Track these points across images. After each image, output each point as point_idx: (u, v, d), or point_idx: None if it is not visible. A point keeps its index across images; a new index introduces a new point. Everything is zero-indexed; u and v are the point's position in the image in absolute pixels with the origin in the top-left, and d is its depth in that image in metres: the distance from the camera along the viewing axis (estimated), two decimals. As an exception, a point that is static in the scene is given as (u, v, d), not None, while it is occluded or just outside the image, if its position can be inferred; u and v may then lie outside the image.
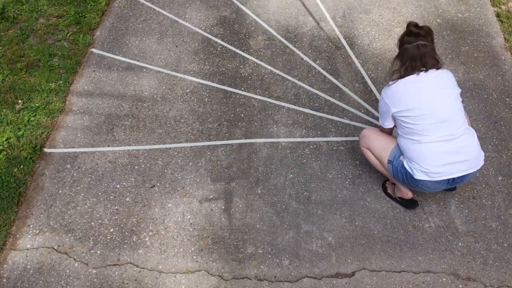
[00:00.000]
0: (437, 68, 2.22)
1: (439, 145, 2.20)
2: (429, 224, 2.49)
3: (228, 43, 3.42)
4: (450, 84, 2.26)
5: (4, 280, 2.32)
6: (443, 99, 2.22)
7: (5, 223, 2.50)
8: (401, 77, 2.25)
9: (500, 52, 3.31)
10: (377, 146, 2.44)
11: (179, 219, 2.53)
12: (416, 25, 2.23)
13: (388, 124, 2.40)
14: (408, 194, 2.48)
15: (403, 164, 2.31)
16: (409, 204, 2.54)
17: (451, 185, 2.33)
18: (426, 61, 2.19)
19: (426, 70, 2.20)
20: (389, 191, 2.61)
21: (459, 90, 2.28)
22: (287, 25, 3.54)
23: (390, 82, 2.29)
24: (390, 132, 2.49)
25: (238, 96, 3.10)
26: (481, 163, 2.30)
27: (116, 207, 2.58)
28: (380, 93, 2.44)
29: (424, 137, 2.22)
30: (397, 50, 2.31)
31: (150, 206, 2.59)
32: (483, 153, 2.31)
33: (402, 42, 2.26)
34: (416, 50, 2.18)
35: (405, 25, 2.28)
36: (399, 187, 2.50)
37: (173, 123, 2.96)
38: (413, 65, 2.21)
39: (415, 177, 2.25)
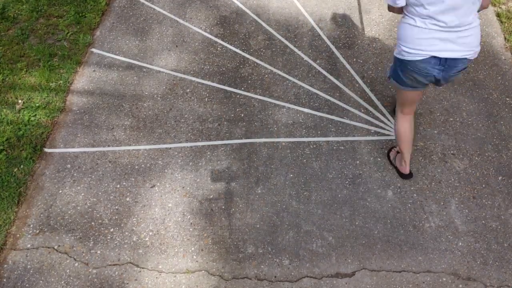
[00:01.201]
0: None
1: (437, 31, 2.10)
2: (429, 224, 2.49)
3: (228, 43, 3.42)
4: None
5: (4, 280, 2.32)
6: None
7: (5, 223, 2.50)
8: None
9: (500, 52, 3.31)
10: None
11: (179, 219, 2.53)
12: None
13: (400, 2, 2.17)
14: (405, 170, 2.64)
15: (394, 58, 2.28)
16: (404, 176, 2.68)
17: (444, 72, 2.21)
18: None
19: None
20: (391, 155, 2.75)
21: None
22: (287, 25, 3.54)
23: None
24: (399, 11, 2.28)
25: (238, 96, 3.10)
26: (475, 52, 2.18)
27: (116, 207, 2.58)
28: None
29: (425, 20, 2.11)
30: None
31: (150, 206, 2.59)
32: (479, 47, 2.20)
33: None
34: None
35: None
36: (400, 159, 2.63)
37: (173, 123, 2.96)
38: None
39: (405, 58, 2.19)
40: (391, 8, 2.28)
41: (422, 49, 2.16)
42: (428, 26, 2.12)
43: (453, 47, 2.15)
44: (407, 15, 2.21)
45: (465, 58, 2.17)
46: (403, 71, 2.28)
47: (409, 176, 2.66)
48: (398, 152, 2.72)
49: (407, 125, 2.50)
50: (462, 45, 2.14)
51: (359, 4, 3.66)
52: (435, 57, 2.16)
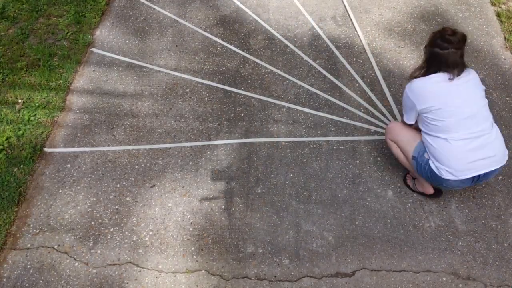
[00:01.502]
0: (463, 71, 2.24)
1: (466, 143, 2.20)
2: (429, 223, 2.49)
3: (228, 43, 3.41)
4: (476, 82, 2.27)
5: (4, 279, 2.32)
6: (470, 96, 2.23)
7: (5, 223, 2.50)
8: (425, 75, 2.27)
9: (500, 51, 3.31)
10: (403, 140, 2.45)
11: (179, 218, 2.53)
12: (453, 31, 2.22)
13: (412, 121, 2.39)
14: (430, 190, 2.52)
15: (427, 162, 2.32)
16: (432, 196, 2.57)
17: (476, 183, 2.32)
18: (455, 67, 2.20)
19: (457, 75, 2.22)
20: (409, 183, 2.64)
21: (484, 87, 2.30)
22: (287, 24, 3.54)
23: (415, 80, 2.31)
24: (415, 128, 2.46)
25: (238, 95, 3.10)
26: (506, 158, 2.29)
27: (116, 207, 2.58)
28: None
29: (450, 134, 2.21)
30: (422, 52, 2.32)
31: (150, 205, 2.59)
32: (507, 151, 2.31)
33: (433, 44, 2.24)
34: (447, 56, 2.19)
35: (441, 29, 2.28)
36: (422, 183, 2.52)
37: (173, 123, 2.96)
38: (441, 69, 2.23)
39: (442, 177, 2.27)
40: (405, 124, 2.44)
41: (460, 169, 2.24)
42: (455, 138, 2.21)
43: (487, 163, 2.24)
44: (428, 133, 2.30)
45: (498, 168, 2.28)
46: (433, 180, 2.36)
47: (438, 193, 2.55)
48: (414, 177, 2.62)
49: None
50: (492, 150, 2.23)
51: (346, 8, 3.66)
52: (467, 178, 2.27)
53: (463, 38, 2.22)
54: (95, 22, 3.56)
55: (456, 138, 2.21)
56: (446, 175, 2.25)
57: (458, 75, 2.22)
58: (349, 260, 2.36)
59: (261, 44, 3.41)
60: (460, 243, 2.42)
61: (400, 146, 2.47)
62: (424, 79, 2.28)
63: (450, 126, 2.21)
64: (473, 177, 2.26)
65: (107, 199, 2.61)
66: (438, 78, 2.24)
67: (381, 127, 2.92)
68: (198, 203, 2.59)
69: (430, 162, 2.30)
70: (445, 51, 2.19)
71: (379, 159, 2.76)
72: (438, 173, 2.27)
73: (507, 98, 3.04)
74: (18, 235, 2.48)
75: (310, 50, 3.36)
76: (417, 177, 2.53)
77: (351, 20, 3.54)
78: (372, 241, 2.43)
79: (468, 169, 2.23)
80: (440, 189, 2.54)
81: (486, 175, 2.28)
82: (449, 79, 2.21)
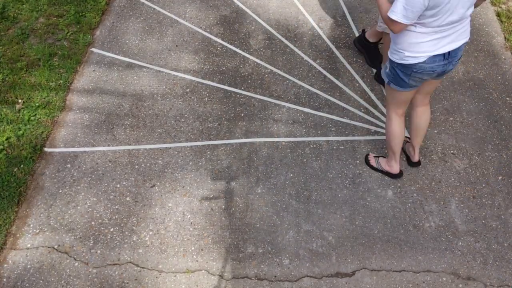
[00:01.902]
0: None
1: (439, 33, 2.10)
2: (429, 223, 2.49)
3: (228, 43, 3.41)
4: None
5: (4, 279, 2.32)
6: (463, 4, 2.05)
7: (5, 223, 2.50)
8: None
9: (500, 51, 3.31)
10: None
11: (179, 218, 2.53)
12: None
13: (409, 20, 2.09)
14: (395, 169, 2.64)
15: (393, 63, 2.25)
16: (397, 175, 2.66)
17: (447, 65, 2.22)
18: None
19: None
20: (373, 163, 2.72)
21: None
22: (287, 24, 3.54)
23: None
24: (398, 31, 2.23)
25: (238, 95, 3.10)
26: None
27: (116, 207, 2.58)
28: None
29: (430, 29, 2.10)
30: None
31: (150, 205, 2.59)
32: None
33: None
34: None
35: None
36: (387, 161, 2.63)
37: (173, 123, 2.96)
38: None
39: (409, 62, 2.17)
40: (393, 24, 2.14)
41: (426, 50, 2.15)
42: (430, 31, 2.11)
43: (453, 38, 2.15)
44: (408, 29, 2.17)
45: (464, 43, 2.20)
46: (406, 75, 2.26)
47: (400, 174, 2.66)
48: (376, 157, 2.72)
49: (403, 126, 2.51)
50: (461, 34, 2.16)
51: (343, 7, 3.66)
52: (439, 54, 2.16)
53: None
54: (95, 22, 3.56)
55: (434, 32, 2.10)
56: (411, 60, 2.17)
57: None
58: (349, 260, 2.37)
59: (261, 44, 3.41)
60: (460, 243, 2.42)
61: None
62: None
63: (430, 24, 2.08)
64: (443, 56, 2.16)
65: (107, 199, 2.61)
66: None
67: (381, 127, 2.92)
68: (198, 203, 2.59)
69: (394, 56, 2.22)
70: None
71: (379, 159, 2.76)
72: (404, 63, 2.19)
73: (507, 98, 3.04)
74: (18, 235, 2.48)
75: (310, 50, 3.36)
76: (390, 148, 2.56)
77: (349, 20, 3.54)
78: (372, 241, 2.43)
79: (433, 45, 2.14)
80: (402, 172, 2.66)
81: (454, 53, 2.18)
82: None
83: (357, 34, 3.44)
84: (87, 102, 3.07)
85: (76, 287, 2.29)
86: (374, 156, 2.72)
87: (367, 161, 2.73)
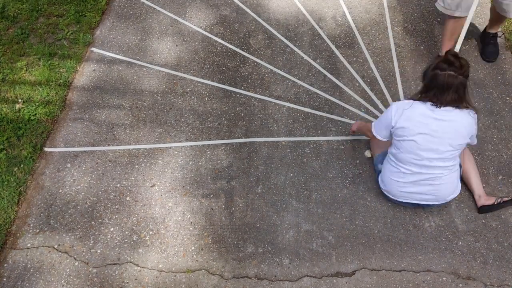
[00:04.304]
0: (457, 107, 2.16)
1: (407, 175, 2.32)
2: (429, 223, 2.49)
3: (228, 42, 3.41)
4: (460, 127, 2.18)
5: (5, 279, 2.32)
6: (441, 143, 2.19)
7: (5, 222, 2.50)
8: (419, 99, 2.24)
9: (501, 51, 3.31)
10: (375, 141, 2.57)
11: (179, 218, 2.54)
12: (455, 54, 2.17)
13: (381, 136, 2.40)
14: None
15: (378, 173, 2.53)
16: None
17: (418, 207, 2.48)
18: (448, 94, 2.12)
19: (441, 106, 2.15)
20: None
21: (467, 141, 2.25)
22: (287, 24, 3.54)
23: (408, 100, 2.28)
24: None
25: (238, 95, 3.10)
26: (451, 197, 2.41)
27: (116, 206, 2.58)
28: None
29: (401, 165, 2.33)
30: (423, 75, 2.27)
31: (150, 205, 2.59)
32: (457, 192, 2.42)
33: (434, 67, 2.16)
34: (443, 78, 2.11)
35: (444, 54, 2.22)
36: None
37: (173, 122, 2.96)
38: (434, 92, 2.15)
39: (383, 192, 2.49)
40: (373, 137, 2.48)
41: (394, 194, 2.44)
42: (401, 169, 2.34)
43: (424, 198, 2.39)
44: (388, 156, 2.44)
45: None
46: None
47: None
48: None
49: None
50: (433, 193, 2.35)
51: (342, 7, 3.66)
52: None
53: (465, 64, 2.14)
54: (95, 22, 3.55)
55: (404, 170, 2.31)
56: (384, 192, 2.49)
57: (445, 105, 2.14)
58: (349, 260, 2.37)
59: (261, 43, 3.41)
60: (460, 243, 2.42)
61: (373, 141, 2.66)
62: (413, 102, 2.23)
63: (401, 159, 2.31)
64: (411, 203, 2.43)
65: (107, 198, 2.61)
66: (424, 107, 2.18)
67: (381, 126, 2.92)
68: (198, 203, 2.59)
69: (379, 176, 2.51)
70: (443, 72, 2.11)
71: (379, 158, 2.76)
72: (379, 186, 2.52)
73: (507, 98, 3.04)
74: (18, 234, 2.48)
75: (310, 50, 3.36)
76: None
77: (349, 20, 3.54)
78: (372, 241, 2.43)
79: (401, 196, 2.39)
80: None
81: (427, 205, 2.43)
82: (430, 109, 2.16)
83: (357, 34, 3.44)
84: (87, 102, 3.07)
85: (76, 287, 2.30)
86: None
87: None
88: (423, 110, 2.19)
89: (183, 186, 2.66)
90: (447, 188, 2.35)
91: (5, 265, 2.37)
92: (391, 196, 2.46)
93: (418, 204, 2.43)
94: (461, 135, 2.20)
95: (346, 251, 2.40)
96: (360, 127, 2.65)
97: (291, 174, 2.70)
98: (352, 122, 2.94)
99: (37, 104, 3.01)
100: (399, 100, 3.04)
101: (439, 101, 2.15)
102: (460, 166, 2.46)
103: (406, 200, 2.41)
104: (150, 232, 2.48)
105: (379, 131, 2.39)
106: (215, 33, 3.48)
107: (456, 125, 2.18)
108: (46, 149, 2.83)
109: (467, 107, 2.19)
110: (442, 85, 2.12)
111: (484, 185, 2.63)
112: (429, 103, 2.18)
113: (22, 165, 2.73)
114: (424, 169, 2.27)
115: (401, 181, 2.35)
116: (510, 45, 3.34)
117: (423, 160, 2.24)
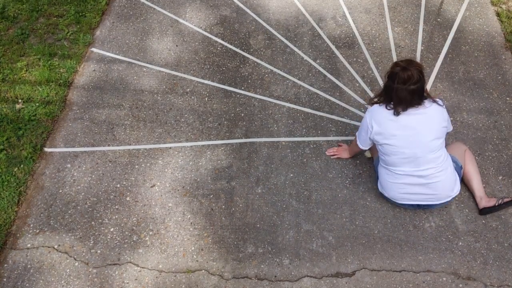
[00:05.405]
0: (419, 105, 2.21)
1: (404, 177, 2.33)
2: (429, 223, 2.49)
3: (228, 43, 3.41)
4: (430, 117, 2.24)
5: (5, 279, 2.32)
6: (417, 136, 2.24)
7: (5, 222, 2.50)
8: (383, 102, 2.29)
9: (501, 51, 3.31)
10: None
11: (179, 218, 2.53)
12: (404, 67, 2.14)
13: (364, 145, 2.47)
14: None
15: (377, 179, 2.54)
16: None
17: (421, 208, 2.48)
18: (410, 102, 2.19)
19: (406, 109, 2.21)
20: None
21: (444, 129, 2.30)
22: (287, 24, 3.54)
23: (376, 105, 2.33)
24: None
25: (238, 95, 3.10)
26: (451, 196, 2.42)
27: (117, 207, 2.58)
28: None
29: (392, 168, 2.35)
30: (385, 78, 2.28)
31: (150, 205, 2.59)
32: (456, 191, 2.42)
33: (392, 80, 2.19)
34: (404, 93, 2.16)
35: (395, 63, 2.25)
36: None
37: (173, 123, 2.95)
38: (396, 102, 2.21)
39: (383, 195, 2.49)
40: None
41: (394, 197, 2.44)
42: (396, 171, 2.35)
43: (425, 198, 2.40)
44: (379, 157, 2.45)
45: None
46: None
47: None
48: None
49: None
50: (432, 190, 2.35)
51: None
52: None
53: (419, 69, 2.15)
54: (95, 22, 3.56)
55: (397, 171, 2.33)
56: (384, 194, 2.49)
57: (405, 110, 2.20)
58: (349, 260, 2.37)
59: (261, 44, 3.41)
60: (460, 243, 2.42)
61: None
62: (382, 106, 2.28)
63: (390, 162, 2.34)
64: (412, 204, 2.43)
65: (107, 199, 2.61)
66: (387, 114, 2.25)
67: (381, 127, 2.92)
68: (198, 203, 2.59)
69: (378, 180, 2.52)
70: (403, 87, 2.14)
71: (379, 159, 2.76)
72: (379, 189, 2.51)
73: (507, 98, 3.04)
74: (18, 235, 2.48)
75: (310, 50, 3.36)
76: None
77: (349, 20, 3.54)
78: (372, 241, 2.43)
79: (402, 198, 2.40)
80: None
81: (428, 205, 2.43)
82: (394, 114, 2.23)
83: (357, 34, 3.44)
84: (87, 102, 3.07)
85: (76, 287, 2.29)
86: None
87: None
88: (390, 112, 2.25)
89: (183, 186, 2.66)
90: (444, 185, 2.35)
91: (5, 265, 2.37)
92: (393, 200, 2.47)
93: (420, 205, 2.44)
94: (436, 121, 2.25)
95: (346, 252, 2.39)
96: (350, 149, 2.68)
97: (291, 175, 2.70)
98: (352, 122, 2.94)
99: (37, 104, 3.02)
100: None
101: (401, 109, 2.22)
102: (461, 167, 2.47)
103: (408, 202, 2.42)
104: (150, 233, 2.48)
105: (363, 142, 2.45)
106: (215, 33, 3.48)
107: (426, 116, 2.23)
108: (46, 149, 2.83)
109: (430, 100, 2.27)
110: (403, 98, 2.17)
111: (484, 185, 2.63)
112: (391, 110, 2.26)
113: (22, 165, 2.73)
114: (414, 166, 2.29)
115: (397, 182, 2.36)
116: (510, 45, 3.34)
117: (410, 157, 2.27)
